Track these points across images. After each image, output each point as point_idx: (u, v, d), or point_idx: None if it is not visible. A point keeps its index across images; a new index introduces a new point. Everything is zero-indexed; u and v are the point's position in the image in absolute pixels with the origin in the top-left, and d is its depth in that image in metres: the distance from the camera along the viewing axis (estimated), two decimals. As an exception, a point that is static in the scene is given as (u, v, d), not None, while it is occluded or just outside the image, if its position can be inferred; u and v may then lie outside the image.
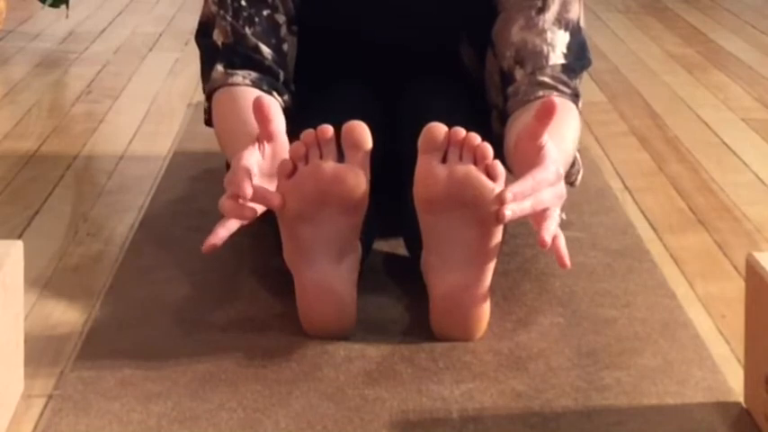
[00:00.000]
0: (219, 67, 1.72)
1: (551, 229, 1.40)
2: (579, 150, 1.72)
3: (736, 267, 1.77)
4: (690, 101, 2.75)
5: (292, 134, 1.54)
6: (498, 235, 1.45)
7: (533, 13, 1.73)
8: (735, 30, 3.62)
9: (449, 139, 1.43)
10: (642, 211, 2.01)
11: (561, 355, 1.46)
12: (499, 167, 1.42)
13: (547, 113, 1.40)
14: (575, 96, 1.71)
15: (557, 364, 1.44)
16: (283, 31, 1.77)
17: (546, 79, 1.70)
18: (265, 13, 1.76)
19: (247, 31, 1.74)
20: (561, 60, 1.71)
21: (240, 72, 1.71)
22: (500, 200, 1.39)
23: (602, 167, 2.22)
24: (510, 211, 1.39)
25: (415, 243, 1.57)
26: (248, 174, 1.40)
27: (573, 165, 1.72)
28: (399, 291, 1.63)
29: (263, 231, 1.63)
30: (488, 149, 1.42)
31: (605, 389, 1.38)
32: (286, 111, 1.70)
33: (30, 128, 2.47)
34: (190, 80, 2.84)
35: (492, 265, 1.46)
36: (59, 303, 1.62)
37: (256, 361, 1.43)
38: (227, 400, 1.34)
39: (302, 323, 1.49)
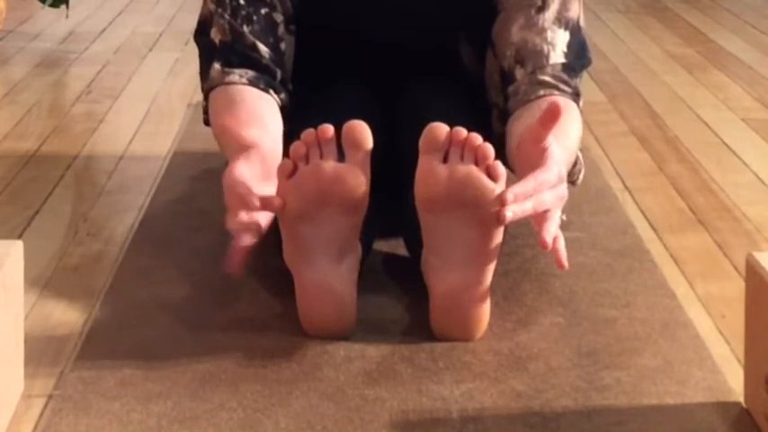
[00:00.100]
0: (217, 66, 1.73)
1: (552, 231, 1.40)
2: (580, 150, 1.72)
3: (736, 267, 1.77)
4: (690, 101, 2.75)
5: (292, 134, 1.54)
6: (499, 235, 1.45)
7: (533, 12, 1.73)
8: (735, 30, 3.62)
9: (450, 140, 1.43)
10: (642, 211, 2.01)
11: (561, 355, 1.46)
12: (500, 168, 1.42)
13: (552, 117, 1.40)
14: (575, 96, 1.71)
15: (557, 364, 1.44)
16: (281, 29, 1.77)
17: (547, 78, 1.70)
18: (263, 11, 1.76)
19: (245, 29, 1.74)
20: (562, 59, 1.71)
21: (237, 71, 1.71)
22: (501, 201, 1.39)
23: (602, 167, 2.22)
24: (511, 212, 1.39)
25: (415, 243, 1.57)
26: (246, 186, 1.41)
27: (575, 164, 1.72)
28: (399, 291, 1.63)
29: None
30: (489, 150, 1.42)
31: (605, 389, 1.38)
32: (283, 109, 1.70)
33: (30, 128, 2.47)
34: (190, 80, 2.84)
35: (492, 266, 1.46)
36: (59, 303, 1.62)
37: (256, 361, 1.43)
38: (227, 400, 1.34)
39: (302, 323, 1.49)
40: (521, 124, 1.63)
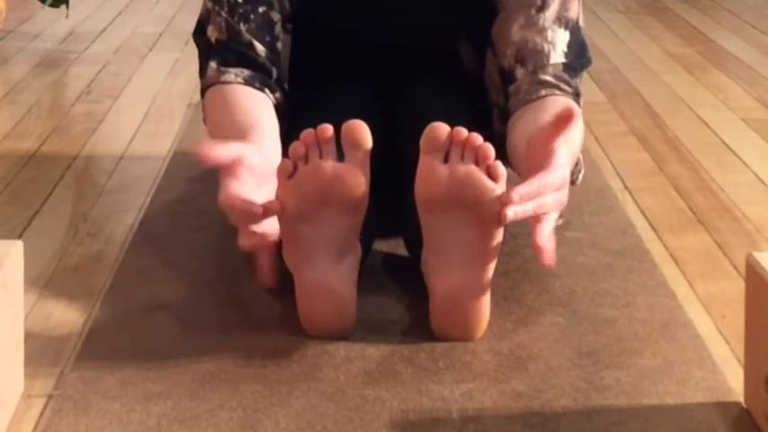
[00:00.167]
0: (213, 64, 1.73)
1: (546, 233, 1.40)
2: (580, 150, 1.72)
3: (736, 267, 1.77)
4: (690, 101, 2.75)
5: (291, 134, 1.53)
6: (499, 235, 1.44)
7: (533, 11, 1.73)
8: (735, 30, 3.62)
9: (451, 139, 1.43)
10: (642, 211, 2.01)
11: (561, 355, 1.46)
12: (500, 168, 1.42)
13: (566, 120, 1.40)
14: (576, 95, 1.71)
15: (557, 364, 1.44)
16: (278, 28, 1.77)
17: (548, 78, 1.70)
18: (261, 10, 1.76)
19: (242, 27, 1.74)
20: (562, 59, 1.71)
21: (233, 70, 1.71)
22: (504, 201, 1.39)
23: (602, 167, 2.22)
24: (512, 212, 1.39)
25: (415, 243, 1.57)
26: (244, 200, 1.40)
27: (576, 163, 1.72)
28: (399, 291, 1.63)
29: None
30: (490, 150, 1.42)
31: (605, 389, 1.38)
32: (278, 108, 1.70)
33: (30, 128, 2.47)
34: (190, 80, 2.84)
35: (492, 266, 1.46)
36: (59, 303, 1.62)
37: (256, 361, 1.43)
38: (227, 400, 1.34)
39: (302, 323, 1.49)
40: (523, 124, 1.63)
